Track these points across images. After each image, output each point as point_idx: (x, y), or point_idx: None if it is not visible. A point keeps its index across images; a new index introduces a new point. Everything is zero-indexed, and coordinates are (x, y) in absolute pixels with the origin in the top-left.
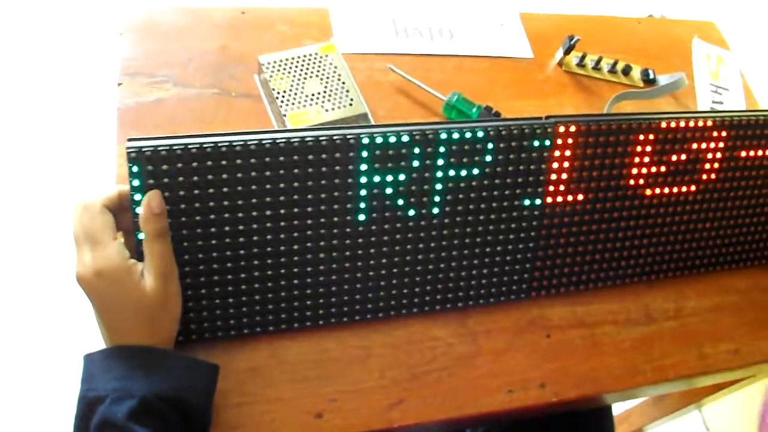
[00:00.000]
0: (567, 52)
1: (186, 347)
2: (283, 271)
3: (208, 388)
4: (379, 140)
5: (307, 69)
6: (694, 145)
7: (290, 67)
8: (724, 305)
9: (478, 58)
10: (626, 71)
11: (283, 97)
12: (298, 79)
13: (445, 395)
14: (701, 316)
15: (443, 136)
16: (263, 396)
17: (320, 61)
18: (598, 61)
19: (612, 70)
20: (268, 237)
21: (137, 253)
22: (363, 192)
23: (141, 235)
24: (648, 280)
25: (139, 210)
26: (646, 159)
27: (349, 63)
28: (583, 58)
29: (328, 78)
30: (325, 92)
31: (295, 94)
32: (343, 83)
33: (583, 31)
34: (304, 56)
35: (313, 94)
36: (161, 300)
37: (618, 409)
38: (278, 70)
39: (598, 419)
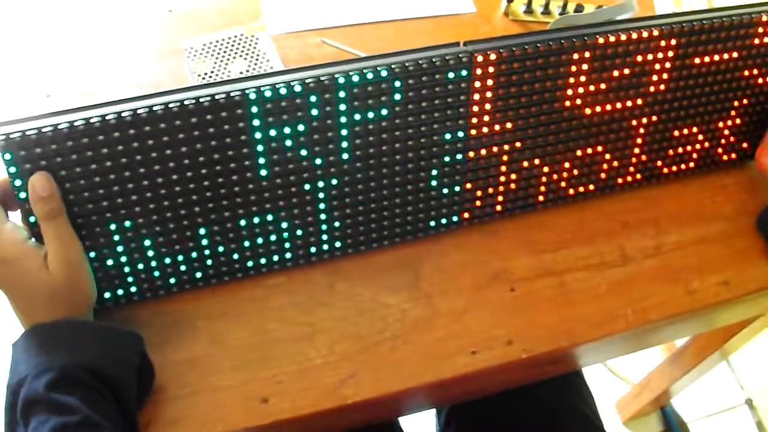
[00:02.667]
0: None
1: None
2: (189, 233)
3: (131, 356)
4: (268, 93)
5: (233, 50)
6: (639, 58)
7: (215, 50)
8: (709, 236)
9: (419, 20)
10: (579, 11)
11: (203, 78)
12: (222, 61)
13: (400, 364)
14: (685, 250)
15: (341, 80)
16: (204, 386)
17: (246, 42)
18: (547, 4)
19: (563, 12)
20: (166, 203)
21: (34, 235)
22: (260, 147)
23: (32, 218)
24: (593, 197)
25: (27, 194)
26: (583, 78)
27: (282, 42)
28: (529, 3)
29: (254, 58)
30: (248, 71)
31: (218, 75)
32: (269, 60)
33: None
34: (230, 38)
35: (238, 74)
36: (67, 280)
37: (636, 377)
38: (202, 54)
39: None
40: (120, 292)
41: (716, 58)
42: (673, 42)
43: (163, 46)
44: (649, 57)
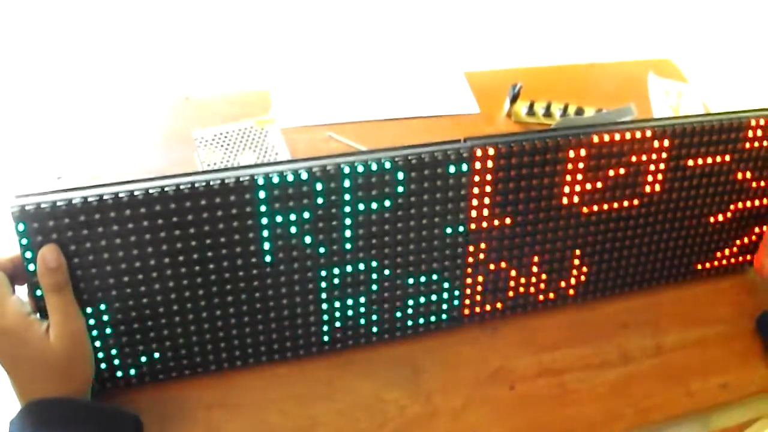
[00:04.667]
0: (513, 100)
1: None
2: (191, 316)
3: None
4: (275, 179)
5: (242, 142)
6: (634, 158)
7: (224, 141)
8: (708, 338)
9: (423, 119)
10: (579, 113)
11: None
12: (231, 151)
13: None
14: (684, 351)
15: (346, 170)
16: None
17: (256, 135)
18: (548, 107)
19: (564, 115)
20: (171, 284)
21: (39, 309)
22: (266, 233)
23: (39, 291)
24: (593, 299)
25: (36, 266)
26: (579, 176)
27: (291, 136)
28: (531, 106)
29: (262, 150)
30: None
31: (226, 165)
32: (277, 153)
33: (531, 81)
34: (240, 130)
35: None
36: (67, 353)
37: None
38: (211, 144)
39: None
40: (119, 374)
41: (709, 160)
42: (666, 143)
43: (174, 133)
44: (644, 157)
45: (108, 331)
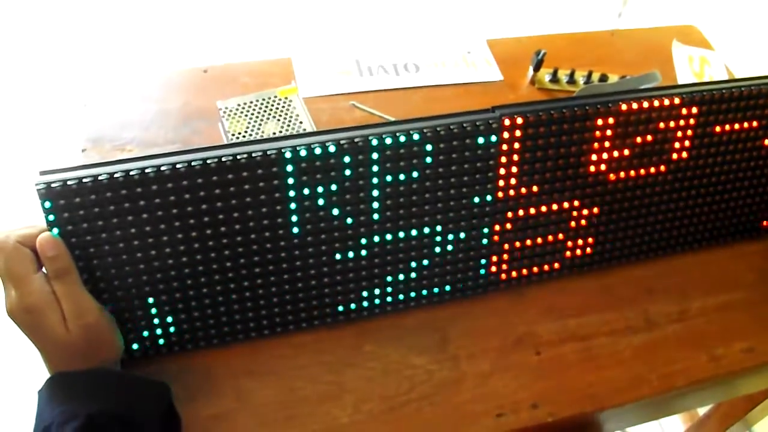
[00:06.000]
0: (537, 68)
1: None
2: (219, 287)
3: (158, 406)
4: (303, 153)
5: (266, 112)
6: (662, 125)
7: (248, 111)
8: (733, 303)
9: (447, 87)
10: (603, 80)
11: (237, 138)
12: (256, 122)
13: (426, 425)
14: (709, 316)
15: (374, 142)
16: None
17: (279, 104)
18: (572, 75)
19: (587, 82)
20: (199, 257)
21: None
22: (293, 206)
23: None
24: (618, 264)
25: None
26: (607, 144)
27: (314, 105)
28: (555, 73)
29: (287, 119)
30: (281, 132)
31: (252, 135)
32: (301, 122)
33: (554, 48)
34: (263, 100)
35: (272, 135)
36: (84, 338)
37: None
38: (235, 114)
39: None
40: (148, 344)
41: (737, 126)
42: (695, 110)
43: (197, 105)
44: (672, 124)
45: (136, 302)
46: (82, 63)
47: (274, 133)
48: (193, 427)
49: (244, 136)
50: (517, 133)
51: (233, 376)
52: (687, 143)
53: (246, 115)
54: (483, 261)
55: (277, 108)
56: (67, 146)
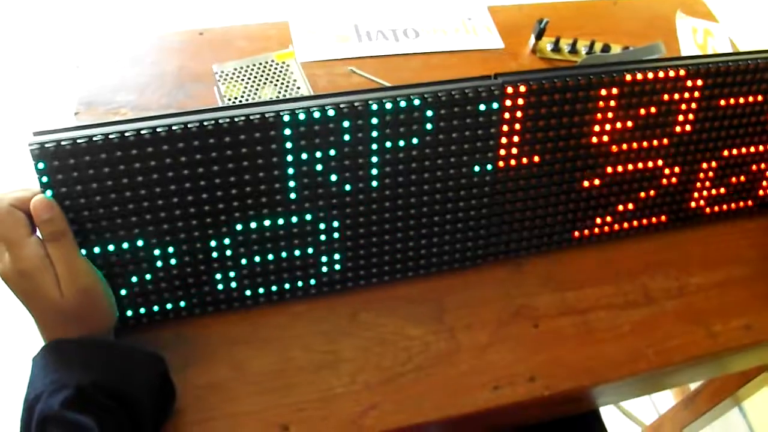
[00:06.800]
0: (539, 36)
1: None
2: (215, 254)
3: (150, 377)
4: (302, 116)
5: (263, 76)
6: (666, 97)
7: (244, 75)
8: (731, 279)
9: (447, 54)
10: (605, 51)
11: (233, 102)
12: (252, 86)
13: (422, 396)
14: (707, 292)
15: (374, 107)
16: (224, 411)
17: (276, 69)
18: (574, 44)
19: (590, 52)
20: (194, 222)
21: None
22: (291, 170)
23: None
24: (618, 238)
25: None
26: (610, 115)
27: (311, 70)
28: (557, 42)
29: (284, 84)
30: (278, 97)
31: (248, 99)
32: (298, 88)
33: (556, 17)
34: (260, 64)
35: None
36: (77, 302)
37: (648, 419)
38: (231, 78)
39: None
40: (142, 311)
41: (741, 100)
42: (699, 82)
43: (192, 68)
44: (676, 96)
45: (130, 268)
46: (75, 23)
47: (271, 98)
48: (188, 396)
49: (240, 101)
50: (520, 101)
51: (228, 345)
52: (691, 116)
53: (242, 80)
54: (482, 231)
55: (274, 73)
56: (60, 109)
